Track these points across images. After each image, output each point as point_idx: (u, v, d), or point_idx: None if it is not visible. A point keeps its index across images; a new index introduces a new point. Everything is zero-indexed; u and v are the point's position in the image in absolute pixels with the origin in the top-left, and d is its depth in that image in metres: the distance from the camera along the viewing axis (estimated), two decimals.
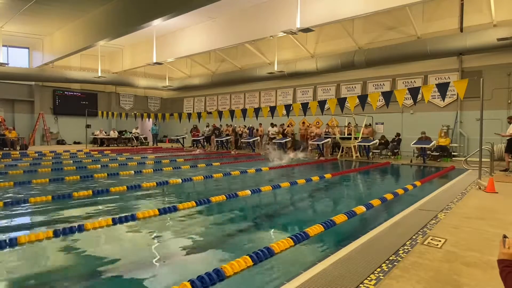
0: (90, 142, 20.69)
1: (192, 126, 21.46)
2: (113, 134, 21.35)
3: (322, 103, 11.25)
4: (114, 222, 4.27)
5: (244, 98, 20.88)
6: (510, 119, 9.28)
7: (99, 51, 18.64)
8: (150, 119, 20.36)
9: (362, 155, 14.07)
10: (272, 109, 11.30)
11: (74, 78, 20.51)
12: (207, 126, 20.25)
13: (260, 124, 18.00)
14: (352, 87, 16.03)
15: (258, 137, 17.67)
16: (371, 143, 13.30)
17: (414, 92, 7.92)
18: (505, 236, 1.82)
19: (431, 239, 3.33)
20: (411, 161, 12.16)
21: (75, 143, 21.89)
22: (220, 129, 19.61)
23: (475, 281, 2.41)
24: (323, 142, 14.13)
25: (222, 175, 8.62)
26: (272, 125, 17.12)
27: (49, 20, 15.75)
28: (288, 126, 17.17)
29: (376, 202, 5.30)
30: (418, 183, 7.17)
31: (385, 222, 4.06)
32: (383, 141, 13.91)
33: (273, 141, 16.48)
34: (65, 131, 21.80)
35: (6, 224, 4.39)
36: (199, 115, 14.57)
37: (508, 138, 9.09)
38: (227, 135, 19.11)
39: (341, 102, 9.55)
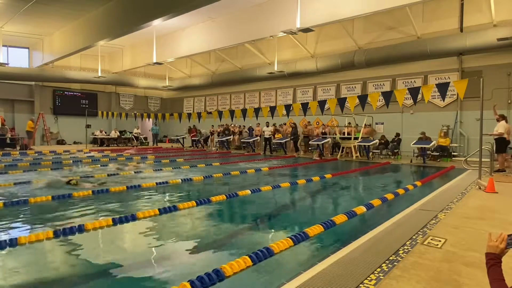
0: (90, 142, 20.70)
1: (188, 127, 21.49)
2: (114, 134, 21.37)
3: (322, 103, 11.25)
4: (115, 222, 4.26)
5: (244, 98, 20.88)
6: (499, 118, 9.14)
7: (99, 51, 18.64)
8: (150, 119, 20.37)
9: (362, 155, 14.07)
10: (272, 109, 11.30)
11: (74, 78, 20.51)
12: (199, 132, 20.32)
13: (258, 123, 17.97)
14: (352, 87, 16.03)
15: (258, 137, 17.65)
16: (371, 143, 13.30)
17: (414, 92, 7.91)
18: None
19: (431, 239, 3.33)
20: (411, 161, 12.16)
21: (75, 143, 21.88)
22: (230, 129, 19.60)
23: (475, 281, 2.41)
24: (323, 142, 14.13)
25: (222, 175, 8.63)
26: (267, 124, 17.05)
27: (49, 20, 15.75)
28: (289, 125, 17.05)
29: (376, 202, 5.29)
30: (418, 183, 7.17)
31: (385, 222, 4.06)
32: (383, 141, 13.91)
33: (273, 141, 16.48)
34: (65, 131, 21.80)
35: (6, 225, 4.39)
36: (199, 115, 14.57)
37: (496, 137, 9.01)
38: (231, 134, 19.13)
39: (341, 102, 9.54)
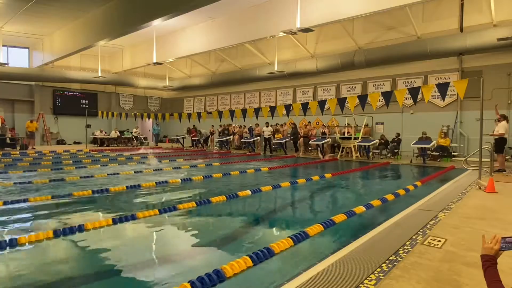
0: (90, 142, 20.70)
1: (188, 128, 21.47)
2: (114, 134, 21.37)
3: (322, 103, 11.24)
4: (114, 222, 4.27)
5: (244, 98, 20.88)
6: (500, 118, 9.09)
7: (99, 51, 18.63)
8: (151, 119, 20.36)
9: (362, 155, 14.07)
10: (272, 109, 11.29)
11: (74, 78, 20.51)
12: (199, 132, 20.34)
13: (257, 124, 17.97)
14: (352, 87, 16.03)
15: (258, 137, 17.63)
16: (371, 143, 13.30)
17: (414, 92, 7.91)
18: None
19: (431, 239, 3.33)
20: (411, 161, 12.16)
21: (75, 143, 21.88)
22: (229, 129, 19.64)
23: (475, 281, 2.41)
24: (323, 142, 14.13)
25: (221, 175, 8.63)
26: (267, 124, 17.05)
27: (49, 20, 15.74)
28: (289, 126, 17.06)
29: (376, 202, 5.29)
30: (418, 183, 7.17)
31: (385, 222, 4.06)
32: (383, 141, 13.91)
33: (273, 141, 16.48)
34: (65, 131, 21.80)
35: (6, 224, 4.39)
36: (199, 115, 14.56)
37: (496, 137, 8.99)
38: (230, 134, 19.13)
39: (341, 102, 9.54)
